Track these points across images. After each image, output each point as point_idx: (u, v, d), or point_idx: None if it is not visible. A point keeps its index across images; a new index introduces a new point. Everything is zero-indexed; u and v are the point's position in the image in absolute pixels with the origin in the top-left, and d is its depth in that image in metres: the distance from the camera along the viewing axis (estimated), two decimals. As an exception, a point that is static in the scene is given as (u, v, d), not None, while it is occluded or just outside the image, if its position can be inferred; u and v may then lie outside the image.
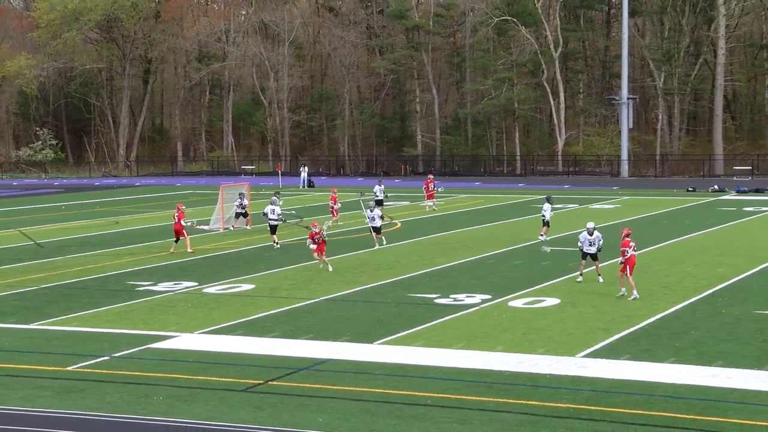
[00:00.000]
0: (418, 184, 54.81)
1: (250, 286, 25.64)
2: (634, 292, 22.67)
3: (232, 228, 38.85)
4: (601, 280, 24.72)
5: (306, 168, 67.69)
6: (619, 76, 73.93)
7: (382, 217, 34.41)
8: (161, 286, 25.79)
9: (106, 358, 18.08)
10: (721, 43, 73.17)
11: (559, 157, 76.04)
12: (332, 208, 40.25)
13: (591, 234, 24.83)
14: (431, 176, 50.31)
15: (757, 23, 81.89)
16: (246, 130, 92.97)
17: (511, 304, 22.69)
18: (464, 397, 15.22)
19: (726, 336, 19.05)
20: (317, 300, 23.55)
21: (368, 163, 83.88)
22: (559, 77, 76.58)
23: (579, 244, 25.11)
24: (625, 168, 71.25)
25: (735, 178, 65.03)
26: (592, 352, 17.97)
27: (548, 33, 76.21)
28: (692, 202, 49.10)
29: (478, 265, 28.83)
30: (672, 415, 14.15)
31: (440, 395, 15.30)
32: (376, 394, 15.37)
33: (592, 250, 24.79)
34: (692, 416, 14.08)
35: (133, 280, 26.88)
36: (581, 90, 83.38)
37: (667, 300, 22.72)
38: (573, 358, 17.56)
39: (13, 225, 42.92)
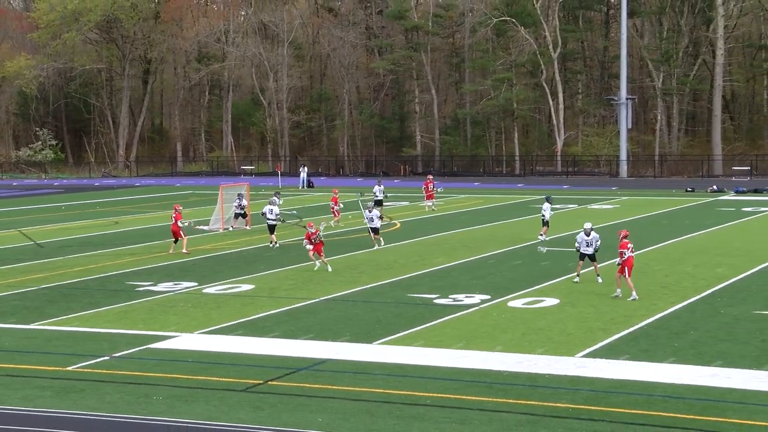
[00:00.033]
0: (418, 184, 54.84)
1: (250, 287, 25.67)
2: (634, 293, 22.69)
3: (231, 228, 38.88)
4: (600, 280, 24.75)
5: (305, 168, 67.72)
6: (617, 76, 73.97)
7: (381, 218, 34.43)
8: (161, 287, 25.82)
9: (106, 358, 18.11)
10: (720, 44, 73.23)
11: (558, 158, 76.08)
12: (333, 208, 40.22)
13: (588, 235, 24.82)
14: (431, 176, 50.39)
15: (755, 24, 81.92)
16: (245, 130, 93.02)
17: (511, 304, 22.72)
18: (463, 397, 15.25)
19: (725, 336, 19.09)
20: (317, 300, 23.58)
21: (367, 164, 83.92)
22: (558, 78, 76.64)
23: (576, 245, 25.12)
24: (624, 168, 71.29)
25: (734, 179, 65.07)
26: (591, 352, 17.99)
27: (547, 33, 76.26)
28: (691, 203, 49.15)
29: (478, 265, 28.86)
30: (671, 415, 14.18)
31: (440, 395, 15.33)
32: (376, 394, 15.40)
33: (589, 251, 24.78)
34: (691, 416, 14.11)
35: (133, 281, 26.91)
36: (580, 90, 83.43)
37: (666, 300, 22.75)
38: (572, 358, 17.59)
39: (13, 225, 42.95)
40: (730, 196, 53.13)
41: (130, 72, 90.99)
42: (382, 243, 32.81)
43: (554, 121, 76.98)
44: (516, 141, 78.91)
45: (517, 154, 78.66)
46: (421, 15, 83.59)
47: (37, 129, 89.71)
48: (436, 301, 23.25)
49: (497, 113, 78.98)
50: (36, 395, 15.66)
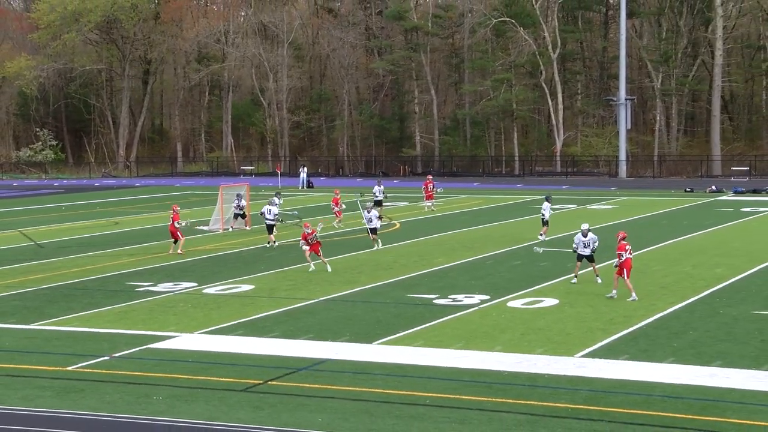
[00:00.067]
0: (417, 184, 54.87)
1: (250, 287, 25.70)
2: (633, 294, 22.71)
3: (231, 229, 38.92)
4: (599, 280, 24.77)
5: (305, 169, 67.75)
6: (617, 77, 74.00)
7: (380, 218, 34.45)
8: (161, 287, 25.85)
9: (106, 358, 18.14)
10: (719, 45, 73.28)
11: (558, 158, 76.11)
12: (334, 209, 40.21)
13: (585, 236, 24.82)
14: (430, 177, 50.43)
15: (754, 24, 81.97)
16: (245, 130, 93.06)
17: (510, 304, 22.75)
18: (463, 397, 15.28)
19: (724, 336, 19.12)
20: (317, 300, 23.61)
21: (367, 164, 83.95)
22: (557, 78, 76.67)
23: (574, 245, 25.12)
24: (623, 168, 71.32)
25: (732, 179, 65.11)
26: (590, 352, 18.02)
27: (546, 34, 76.30)
28: (690, 203, 49.18)
29: (477, 265, 28.89)
30: (670, 415, 14.21)
31: (439, 395, 15.36)
32: (376, 394, 15.43)
33: (587, 252, 24.79)
34: (690, 416, 14.14)
35: (133, 281, 26.94)
36: (579, 91, 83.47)
37: (665, 300, 22.78)
38: (571, 358, 17.62)
39: (13, 225, 42.97)
40: (729, 197, 53.17)
41: (130, 72, 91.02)
42: (380, 244, 32.81)
43: (553, 122, 77.02)
44: (515, 141, 78.95)
45: (517, 154, 78.68)
46: (421, 15, 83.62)
47: (38, 129, 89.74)
48: (435, 301, 23.28)
49: (497, 114, 79.02)
50: (36, 395, 15.68)
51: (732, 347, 18.18)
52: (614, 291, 23.04)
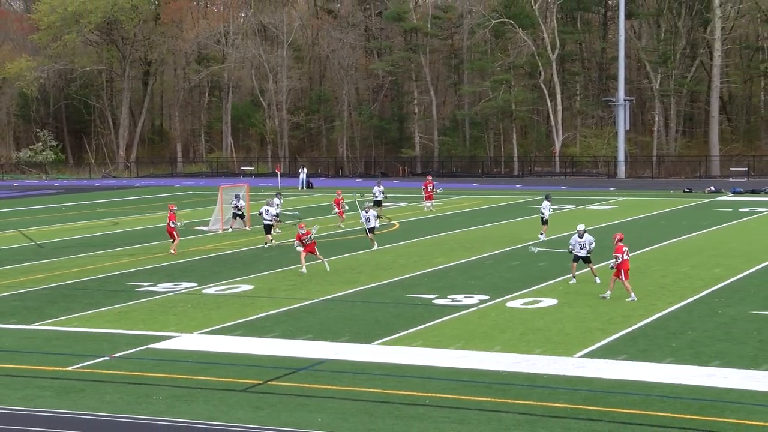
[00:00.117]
0: (417, 185, 54.92)
1: (250, 287, 25.74)
2: (632, 294, 22.75)
3: (230, 229, 38.97)
4: (598, 281, 24.79)
5: (305, 169, 67.79)
6: (615, 77, 74.03)
7: (378, 218, 34.46)
8: (161, 287, 25.89)
9: (106, 358, 18.17)
10: (717, 45, 73.33)
11: (557, 159, 76.15)
12: (334, 209, 40.23)
13: (581, 237, 24.84)
14: (430, 177, 50.48)
15: (752, 25, 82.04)
16: (245, 131, 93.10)
17: (509, 304, 22.79)
18: (462, 397, 15.32)
19: (723, 336, 19.16)
20: (316, 300, 23.65)
21: (367, 165, 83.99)
22: (556, 79, 76.71)
23: (570, 246, 25.14)
24: (621, 169, 71.37)
25: (731, 179, 65.16)
26: (589, 352, 18.06)
27: (545, 35, 76.34)
28: (689, 203, 49.22)
29: (476, 265, 28.93)
30: (669, 414, 14.25)
31: (438, 395, 15.40)
32: (375, 394, 15.47)
33: (583, 253, 24.80)
34: (689, 416, 14.18)
35: (133, 281, 26.98)
36: (578, 92, 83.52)
37: (664, 300, 22.82)
38: (570, 358, 17.66)
39: (13, 226, 43.01)
40: (728, 197, 53.22)
41: (131, 73, 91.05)
42: (375, 245, 32.74)
43: (552, 123, 77.05)
44: (514, 142, 78.98)
45: (516, 155, 78.72)
46: (420, 16, 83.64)
47: (38, 130, 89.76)
48: (434, 301, 23.32)
49: (496, 114, 79.06)
50: (36, 395, 15.72)
51: (730, 347, 18.23)
52: (608, 292, 23.04)
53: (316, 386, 16.00)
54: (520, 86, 78.62)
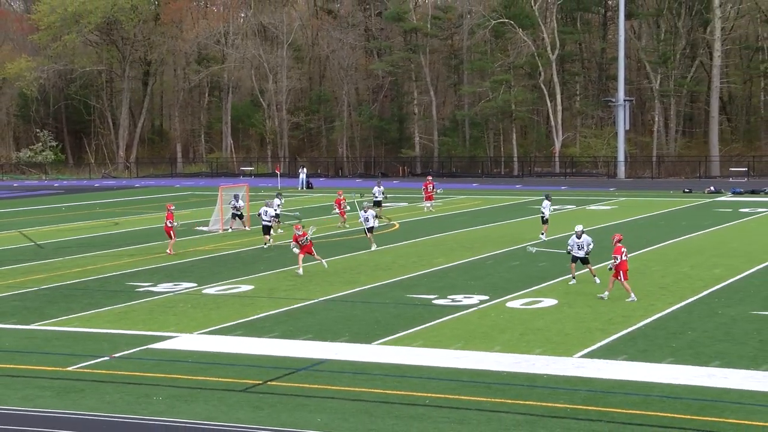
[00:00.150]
0: (417, 185, 54.93)
1: (249, 287, 25.75)
2: (632, 294, 22.76)
3: (230, 229, 38.97)
4: (597, 281, 24.78)
5: (305, 169, 67.78)
6: (615, 78, 74.06)
7: (377, 218, 34.45)
8: (161, 287, 25.90)
9: (106, 358, 18.18)
10: (717, 46, 73.35)
11: (556, 159, 76.17)
12: (335, 210, 40.22)
13: (579, 237, 24.83)
14: (430, 177, 50.49)
15: (752, 26, 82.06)
16: (245, 131, 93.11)
17: (509, 304, 22.80)
18: (462, 397, 15.32)
19: (722, 336, 19.16)
20: (316, 300, 23.65)
21: (366, 165, 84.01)
22: (556, 79, 76.73)
23: (568, 247, 25.14)
24: (621, 169, 71.39)
25: (731, 180, 65.17)
26: (589, 352, 18.07)
27: (545, 35, 76.36)
28: (688, 204, 49.23)
29: (476, 265, 28.94)
30: (669, 415, 14.25)
31: (438, 395, 15.40)
32: (375, 395, 15.47)
33: (581, 254, 24.80)
34: (689, 416, 14.18)
35: (133, 281, 26.99)
36: (578, 92, 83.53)
37: (664, 301, 22.83)
38: (570, 358, 17.66)
39: (13, 226, 43.01)
40: (728, 197, 53.22)
41: (130, 74, 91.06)
42: (374, 245, 32.71)
43: (552, 123, 77.07)
44: (514, 142, 79.00)
45: (516, 155, 78.74)
46: (420, 17, 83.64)
47: (38, 130, 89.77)
48: (434, 301, 23.32)
49: (495, 115, 79.07)
50: (36, 395, 15.72)
51: (730, 347, 18.23)
52: (606, 293, 23.05)
53: (316, 386, 16.00)
54: (520, 86, 78.64)
